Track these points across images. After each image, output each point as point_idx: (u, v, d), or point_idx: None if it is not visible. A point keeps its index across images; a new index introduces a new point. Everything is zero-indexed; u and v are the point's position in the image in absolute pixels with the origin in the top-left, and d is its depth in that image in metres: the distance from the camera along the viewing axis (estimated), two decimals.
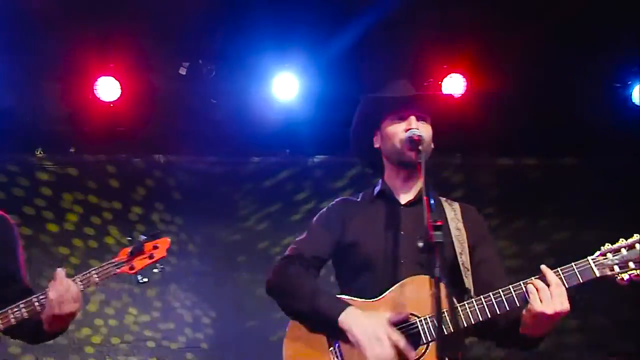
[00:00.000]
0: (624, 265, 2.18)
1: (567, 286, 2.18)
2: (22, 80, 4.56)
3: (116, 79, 4.47)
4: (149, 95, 4.63)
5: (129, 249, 2.63)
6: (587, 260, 2.20)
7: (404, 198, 2.58)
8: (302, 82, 4.66)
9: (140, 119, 4.76)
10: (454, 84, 4.71)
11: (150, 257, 2.64)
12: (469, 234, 2.56)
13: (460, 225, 2.57)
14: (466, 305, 2.26)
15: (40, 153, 5.10)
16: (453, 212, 2.64)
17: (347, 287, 2.54)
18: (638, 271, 2.16)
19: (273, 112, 4.77)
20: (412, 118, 2.51)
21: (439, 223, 1.93)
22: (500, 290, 2.25)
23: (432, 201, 2.04)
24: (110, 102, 4.53)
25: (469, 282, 2.43)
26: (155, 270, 2.82)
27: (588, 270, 2.18)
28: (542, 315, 2.14)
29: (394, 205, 2.59)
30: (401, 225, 2.52)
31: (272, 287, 2.51)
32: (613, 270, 2.18)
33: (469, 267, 2.48)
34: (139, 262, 2.58)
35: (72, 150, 5.13)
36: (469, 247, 2.51)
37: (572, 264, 2.22)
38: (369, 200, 2.68)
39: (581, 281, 2.19)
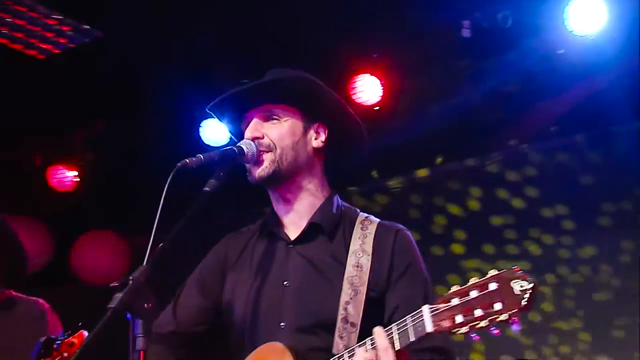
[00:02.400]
0: (468, 314, 1.67)
1: (400, 348, 1.78)
2: None
3: None
4: None
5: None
6: (422, 310, 1.73)
7: (293, 232, 2.11)
8: None
9: None
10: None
11: None
12: (375, 269, 2.11)
13: (365, 259, 2.10)
14: None
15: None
16: (362, 238, 2.18)
17: None
18: (484, 323, 1.63)
19: None
20: (254, 121, 2.08)
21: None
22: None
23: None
24: None
25: (341, 344, 2.00)
26: None
27: (422, 324, 1.73)
28: None
29: (279, 244, 2.15)
30: (287, 272, 2.10)
31: None
32: (453, 321, 1.68)
33: (357, 322, 2.03)
34: None
35: None
36: (371, 288, 2.07)
37: (409, 316, 1.77)
38: (254, 236, 2.22)
39: (414, 339, 1.75)
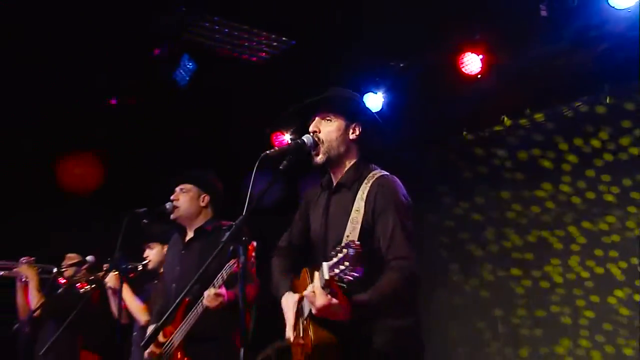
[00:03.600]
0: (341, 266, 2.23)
1: (327, 278, 2.29)
2: None
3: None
4: None
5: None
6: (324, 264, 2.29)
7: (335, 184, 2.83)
8: None
9: None
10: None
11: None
12: (368, 211, 2.67)
13: (362, 204, 2.68)
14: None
15: None
16: (364, 190, 2.74)
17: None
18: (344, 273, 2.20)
19: None
20: (316, 120, 2.80)
21: None
22: None
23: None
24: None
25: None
26: None
27: (322, 272, 2.30)
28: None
29: (328, 192, 2.86)
30: (330, 210, 2.79)
31: None
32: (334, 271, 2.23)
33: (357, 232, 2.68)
34: None
35: None
36: (366, 226, 2.63)
37: (324, 264, 2.31)
38: (320, 191, 2.96)
39: (326, 278, 2.28)
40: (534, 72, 5.49)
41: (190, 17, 5.39)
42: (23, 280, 5.42)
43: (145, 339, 4.01)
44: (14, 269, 5.45)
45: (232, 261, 3.38)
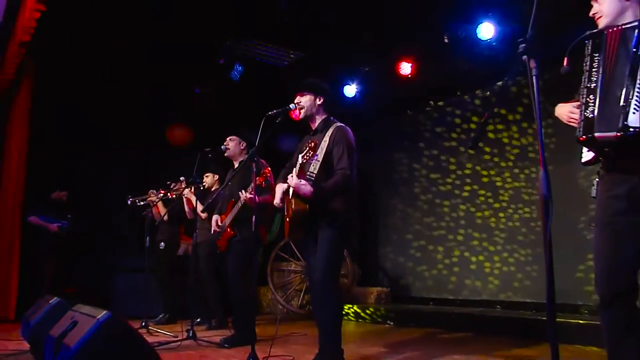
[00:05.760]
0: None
1: (295, 174, 2.96)
2: None
3: None
4: None
5: None
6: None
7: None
8: None
9: None
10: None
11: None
12: (330, 142, 3.10)
13: (325, 143, 3.10)
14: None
15: None
16: (328, 134, 3.14)
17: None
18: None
19: None
20: (297, 97, 3.28)
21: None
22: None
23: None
24: None
25: (319, 171, 3.08)
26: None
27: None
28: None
29: (309, 135, 3.34)
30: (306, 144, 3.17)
31: None
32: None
33: (314, 173, 3.05)
34: None
35: None
36: (328, 151, 3.08)
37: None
38: (306, 136, 3.37)
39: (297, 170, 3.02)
40: (442, 74, 6.64)
41: (239, 40, 6.47)
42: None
43: (205, 207, 4.96)
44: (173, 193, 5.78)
45: (259, 179, 3.83)
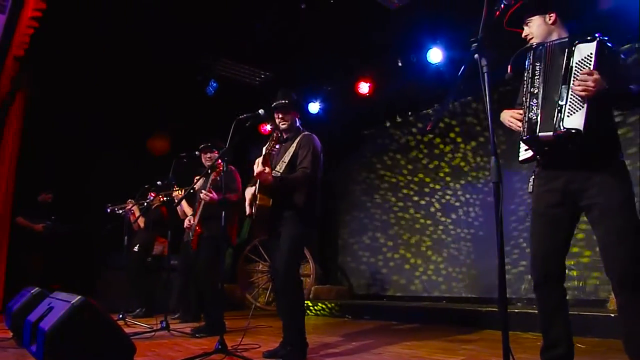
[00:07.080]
0: None
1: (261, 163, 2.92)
2: None
3: None
4: None
5: None
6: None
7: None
8: None
9: None
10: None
11: None
12: (297, 147, 3.10)
13: (293, 149, 3.11)
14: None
15: None
16: (296, 141, 3.12)
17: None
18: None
19: None
20: (278, 115, 3.20)
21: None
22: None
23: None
24: None
25: (284, 171, 3.07)
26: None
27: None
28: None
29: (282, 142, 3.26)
30: (280, 155, 3.19)
31: None
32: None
33: (280, 171, 3.05)
34: None
35: None
36: (294, 154, 3.07)
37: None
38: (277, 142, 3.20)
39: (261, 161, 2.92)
40: (396, 95, 6.79)
41: (215, 59, 6.52)
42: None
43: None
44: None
45: (213, 174, 4.01)
